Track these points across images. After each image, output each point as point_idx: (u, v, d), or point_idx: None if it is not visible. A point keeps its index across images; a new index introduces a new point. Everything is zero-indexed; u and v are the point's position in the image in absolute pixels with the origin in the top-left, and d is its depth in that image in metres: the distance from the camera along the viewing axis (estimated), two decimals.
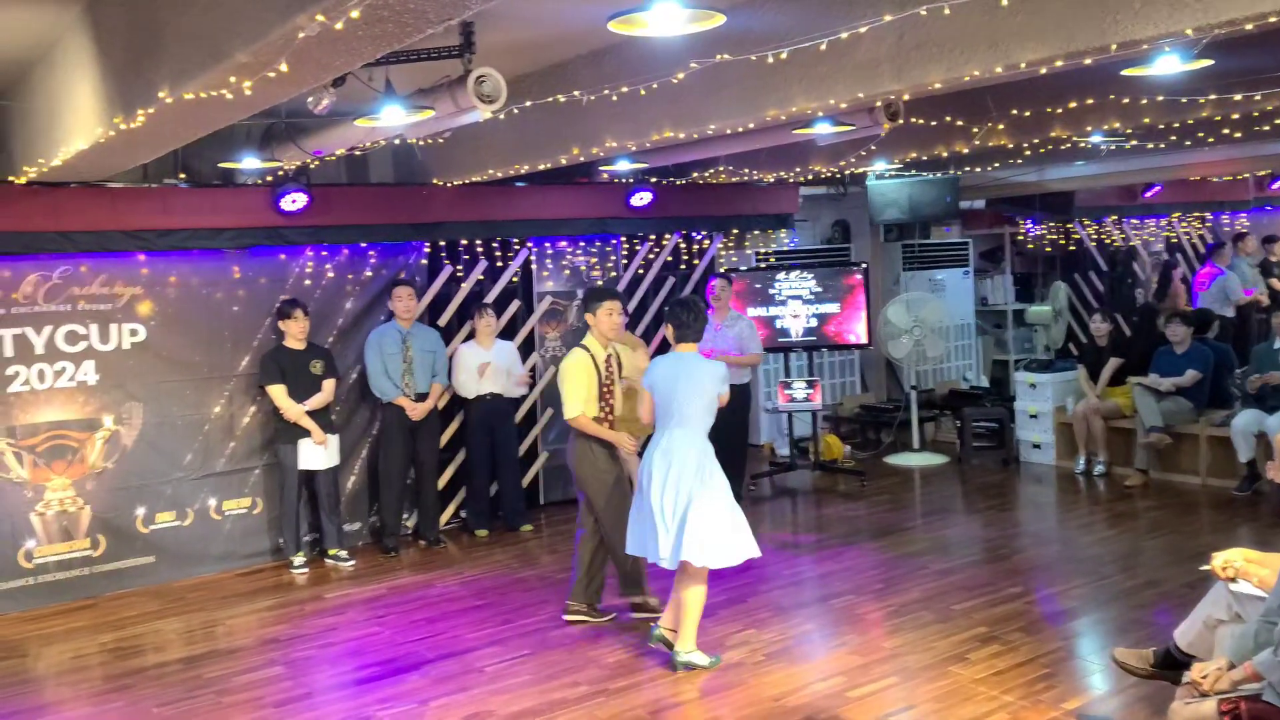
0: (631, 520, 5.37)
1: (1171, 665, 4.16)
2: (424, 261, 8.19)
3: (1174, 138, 7.93)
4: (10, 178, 6.31)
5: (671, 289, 9.43)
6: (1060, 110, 6.47)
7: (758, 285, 9.52)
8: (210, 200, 7.14)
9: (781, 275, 9.50)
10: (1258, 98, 5.92)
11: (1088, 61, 4.01)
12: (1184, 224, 13.41)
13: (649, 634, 5.49)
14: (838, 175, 10.18)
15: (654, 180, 8.92)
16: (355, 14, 2.93)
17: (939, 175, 10.19)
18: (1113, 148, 8.43)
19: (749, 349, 8.29)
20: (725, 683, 5.08)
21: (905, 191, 10.27)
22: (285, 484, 7.30)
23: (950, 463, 9.82)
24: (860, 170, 9.47)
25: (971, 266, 11.97)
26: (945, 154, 7.78)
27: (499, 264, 8.50)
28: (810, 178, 9.73)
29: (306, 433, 7.20)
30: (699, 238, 9.63)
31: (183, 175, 7.19)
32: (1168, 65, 4.86)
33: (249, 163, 6.86)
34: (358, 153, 7.31)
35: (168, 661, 5.77)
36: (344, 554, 7.46)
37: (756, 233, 10.43)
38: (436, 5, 3.03)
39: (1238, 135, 7.76)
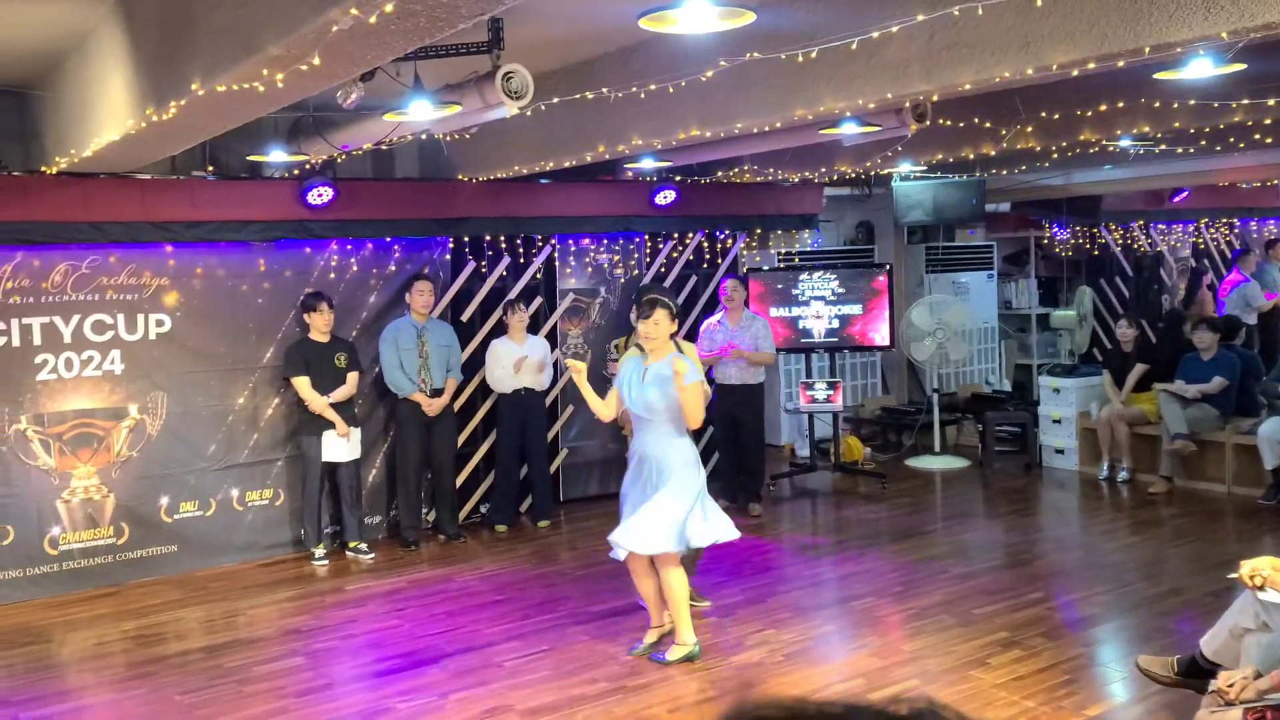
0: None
1: (1196, 674, 4.13)
2: (447, 257, 8.21)
3: (1204, 142, 7.86)
4: (42, 168, 6.37)
5: (694, 288, 9.43)
6: (1090, 113, 6.43)
7: (780, 285, 9.50)
8: (237, 193, 7.19)
9: (804, 275, 9.47)
10: None
11: (1120, 64, 3.98)
12: (1212, 230, 13.30)
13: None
14: (863, 176, 10.15)
15: (678, 179, 8.92)
16: (389, 8, 2.94)
17: (965, 177, 10.14)
18: (1141, 152, 8.37)
19: (763, 348, 8.27)
20: (744, 682, 5.07)
21: (930, 193, 10.22)
22: (308, 476, 7.34)
23: (971, 466, 9.77)
24: (885, 171, 9.44)
25: (996, 270, 11.91)
26: (972, 156, 7.74)
27: (522, 261, 8.52)
28: (835, 178, 9.70)
29: (330, 425, 7.24)
30: (722, 237, 9.62)
31: (210, 168, 7.25)
32: (1200, 69, 4.83)
33: (276, 156, 6.90)
34: (384, 147, 7.34)
35: (190, 650, 5.81)
36: (364, 546, 7.50)
37: (780, 233, 10.41)
38: (469, 0, 3.04)
39: (1269, 140, 7.69)
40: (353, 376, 7.39)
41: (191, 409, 7.23)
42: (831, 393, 9.06)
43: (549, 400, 8.57)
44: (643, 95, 5.42)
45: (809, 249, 10.74)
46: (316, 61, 3.53)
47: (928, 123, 6.11)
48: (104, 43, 4.92)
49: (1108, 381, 9.16)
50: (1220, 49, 4.31)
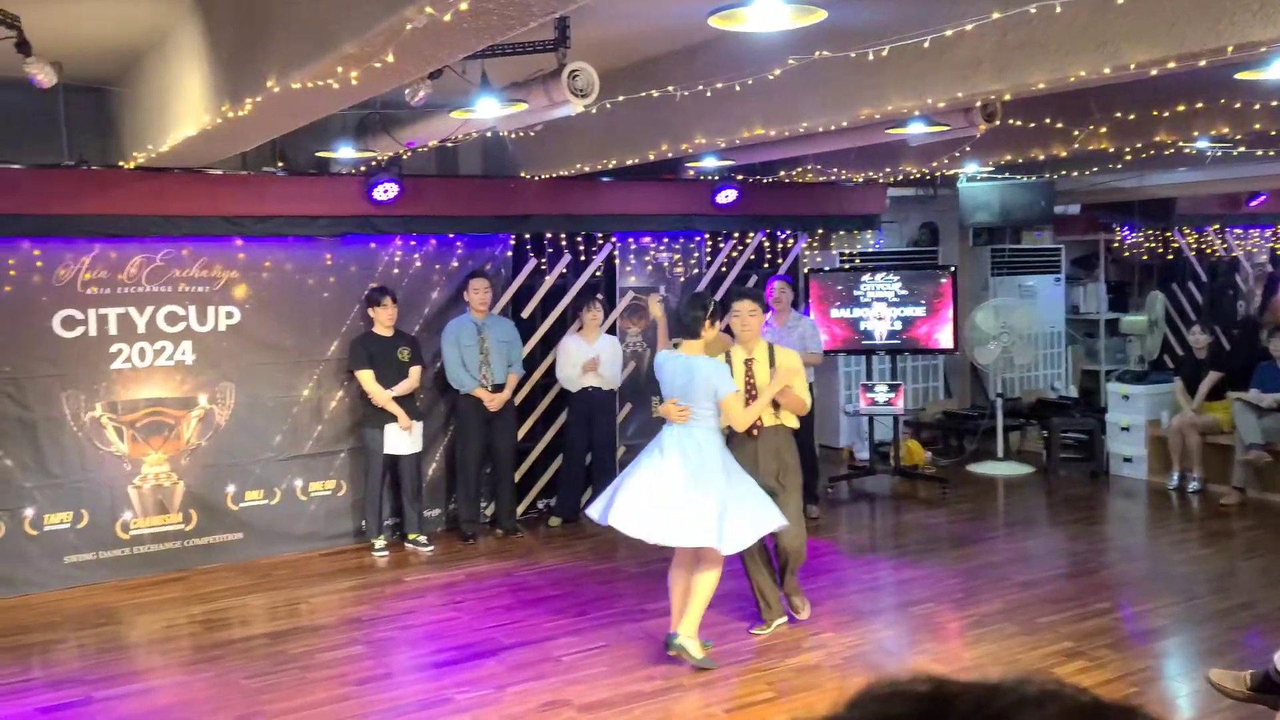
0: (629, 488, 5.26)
1: (1270, 689, 4.02)
2: (509, 254, 8.27)
3: None
4: (120, 163, 6.53)
5: (755, 287, 9.37)
6: (1166, 113, 6.28)
7: (841, 286, 9.42)
8: (305, 188, 7.31)
9: (867, 277, 9.39)
10: None
11: (1201, 63, 3.88)
12: None
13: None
14: (928, 177, 10.02)
15: (739, 178, 8.89)
16: (463, 6, 2.97)
17: (1033, 179, 9.97)
18: (1219, 154, 8.16)
19: (811, 349, 8.20)
20: (802, 684, 5.04)
21: (997, 195, 10.07)
22: (370, 468, 7.44)
23: (1035, 473, 9.61)
24: (951, 172, 9.32)
25: (1063, 273, 11.70)
26: (1041, 157, 7.61)
27: (582, 258, 8.55)
28: (899, 179, 9.60)
29: (392, 418, 7.33)
30: (783, 237, 9.57)
31: (280, 164, 7.37)
32: None
33: (344, 152, 6.99)
34: (449, 144, 7.42)
35: (254, 636, 5.93)
36: (423, 539, 7.58)
37: (842, 233, 10.33)
38: None
39: None
40: (415, 370, 7.47)
41: (258, 400, 7.37)
42: (892, 395, 8.97)
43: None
44: (708, 94, 5.40)
45: (871, 250, 10.64)
46: (390, 59, 3.57)
47: (997, 122, 6.02)
48: (182, 40, 5.03)
49: (1179, 389, 8.95)
50: None
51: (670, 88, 5.51)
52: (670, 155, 6.71)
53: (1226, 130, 6.37)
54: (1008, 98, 5.02)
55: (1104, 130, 6.68)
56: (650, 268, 8.94)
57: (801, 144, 6.86)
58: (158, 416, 7.08)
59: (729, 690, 5.00)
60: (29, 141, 6.58)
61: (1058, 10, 3.81)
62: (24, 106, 6.35)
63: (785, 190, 9.32)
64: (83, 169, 6.53)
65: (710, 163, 7.97)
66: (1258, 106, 5.94)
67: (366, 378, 7.29)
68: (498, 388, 7.71)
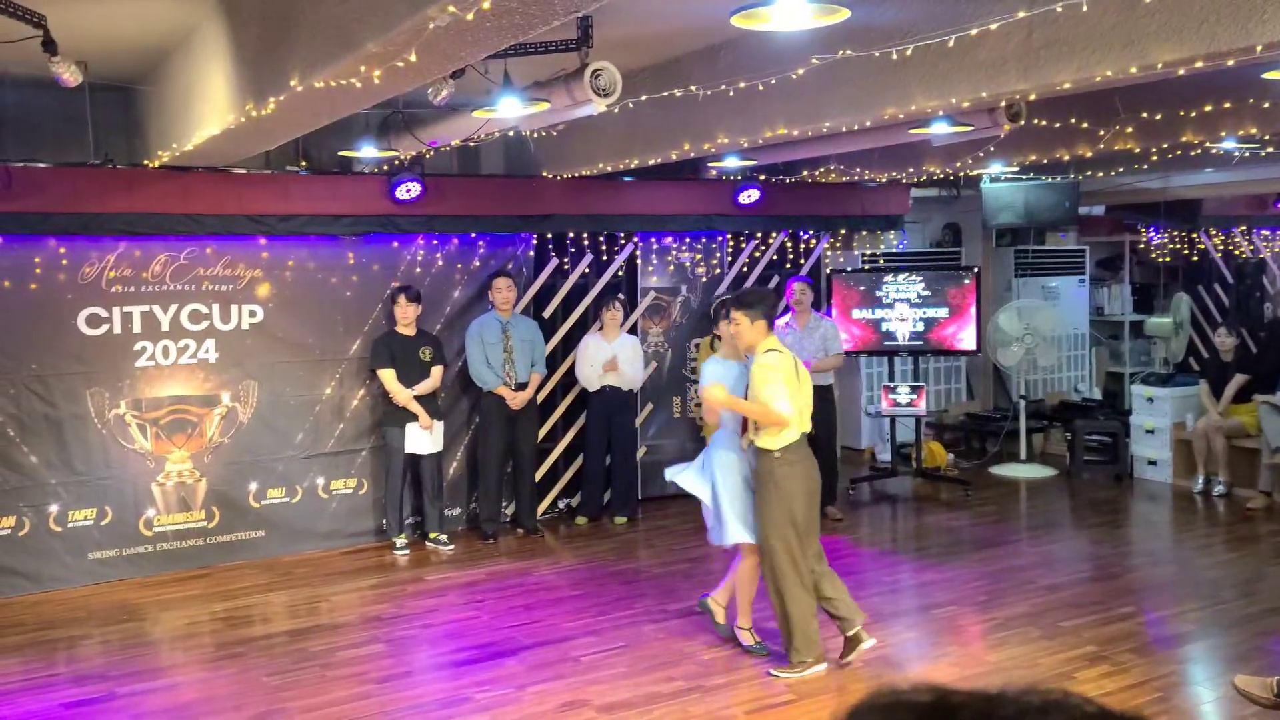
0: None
1: None
2: (531, 253, 8.28)
3: None
4: (144, 161, 6.58)
5: (776, 288, 9.36)
6: (1193, 114, 6.21)
7: (864, 287, 9.38)
8: (328, 187, 7.33)
9: (889, 277, 9.34)
10: None
11: (1229, 63, 3.84)
12: None
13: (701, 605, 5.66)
14: (951, 177, 9.96)
15: (762, 178, 8.86)
16: (486, 5, 2.97)
17: (1058, 179, 9.90)
18: (1246, 155, 8.07)
19: (832, 351, 8.17)
20: (823, 686, 5.02)
21: (1021, 195, 9.99)
22: (391, 467, 7.46)
23: (1058, 476, 9.54)
24: (975, 172, 9.26)
25: (1088, 274, 11.60)
26: (1066, 157, 7.55)
27: (604, 258, 8.55)
28: (923, 179, 9.55)
29: (413, 417, 7.35)
30: (806, 237, 9.53)
31: (303, 163, 7.41)
32: None
33: (366, 151, 7.02)
34: (472, 144, 7.43)
35: (275, 633, 5.95)
36: (444, 538, 7.60)
37: (865, 234, 10.28)
38: None
39: None
40: (437, 370, 7.49)
41: (280, 398, 7.40)
42: (914, 397, 8.92)
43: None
44: (731, 93, 5.39)
45: (894, 250, 10.59)
46: (413, 58, 3.58)
47: (1022, 122, 5.97)
48: (207, 39, 5.06)
49: (1205, 391, 8.86)
50: None
51: (693, 87, 5.50)
52: (692, 155, 6.70)
53: (1254, 130, 6.30)
54: (1033, 97, 4.98)
55: (1130, 130, 6.62)
56: (672, 268, 8.92)
57: (824, 144, 6.83)
58: (181, 414, 7.12)
59: (749, 692, 4.99)
60: (55, 140, 6.64)
61: (1084, 9, 3.77)
62: (51, 106, 6.41)
63: (808, 190, 9.28)
64: (108, 168, 6.57)
65: (732, 163, 7.95)
66: None
67: (388, 376, 7.31)
68: (520, 386, 7.72)
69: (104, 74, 6.07)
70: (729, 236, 9.13)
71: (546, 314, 8.36)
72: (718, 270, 9.11)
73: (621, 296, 8.31)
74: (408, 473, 7.54)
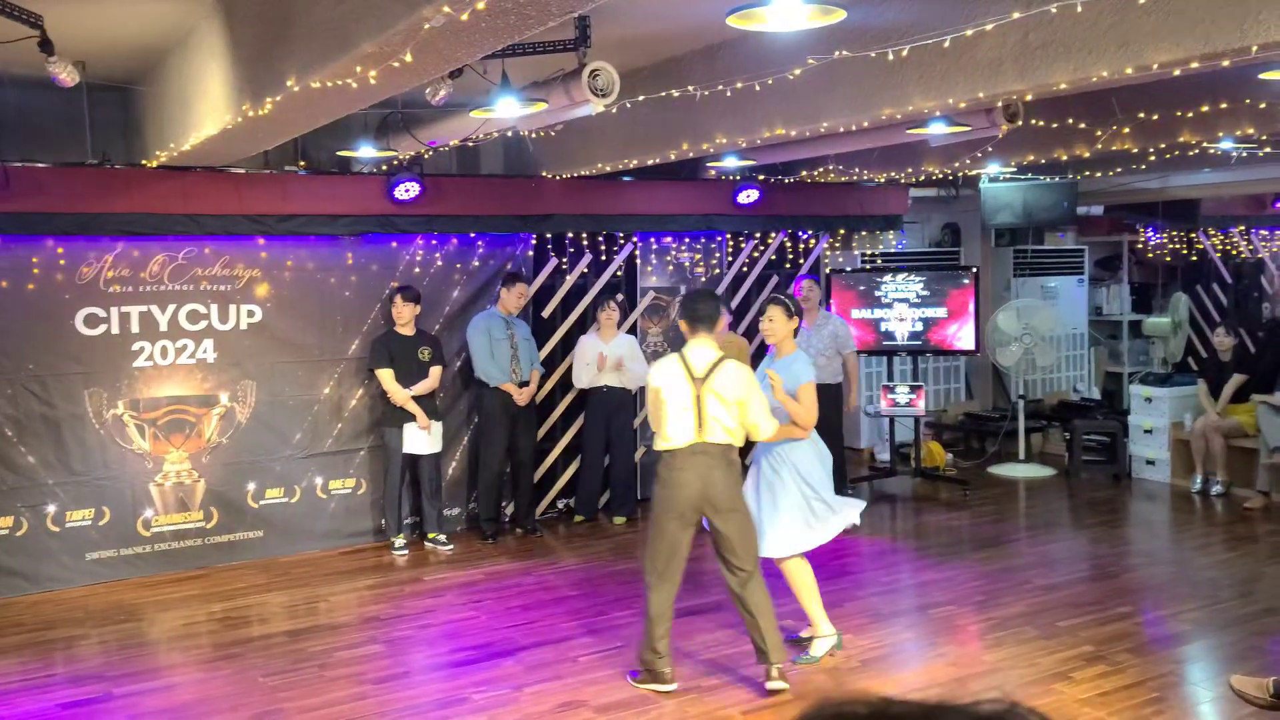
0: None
1: None
2: (530, 253, 8.28)
3: None
4: (142, 161, 6.58)
5: (775, 288, 9.36)
6: (1190, 114, 6.22)
7: (863, 287, 9.38)
8: (327, 187, 7.34)
9: (888, 277, 9.35)
10: None
11: (1225, 64, 3.84)
12: None
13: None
14: (950, 177, 9.97)
15: (761, 178, 8.87)
16: (481, 5, 2.97)
17: (1056, 179, 9.90)
18: (1244, 155, 8.08)
19: (844, 349, 8.18)
20: (819, 687, 5.02)
21: (1020, 195, 10.00)
22: (389, 467, 7.46)
23: (1057, 476, 9.54)
24: (974, 172, 9.27)
25: (1086, 274, 11.61)
26: (1064, 157, 7.55)
27: (603, 258, 8.55)
28: (921, 179, 9.55)
29: (412, 417, 7.35)
30: (805, 237, 9.54)
31: (302, 163, 7.41)
32: None
33: (365, 151, 7.03)
34: (470, 144, 7.43)
35: (273, 633, 5.95)
36: (443, 538, 7.60)
37: (864, 234, 10.28)
38: None
39: None
40: (435, 370, 7.49)
41: (279, 398, 7.41)
42: (913, 397, 8.93)
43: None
44: (728, 93, 5.39)
45: (893, 250, 10.59)
46: (408, 58, 3.58)
47: (1019, 123, 5.98)
48: (204, 39, 5.06)
49: (1203, 391, 8.86)
50: None
51: (691, 87, 5.50)
52: (691, 155, 6.70)
53: (1251, 131, 6.31)
54: (1030, 98, 4.99)
55: (1127, 131, 6.63)
56: (671, 268, 8.93)
57: (822, 144, 6.84)
58: (179, 414, 7.12)
59: (746, 692, 4.99)
60: (53, 140, 6.64)
61: (1079, 10, 3.77)
62: (48, 106, 6.41)
63: (807, 190, 9.29)
64: (106, 168, 6.58)
65: (731, 163, 7.95)
66: None
67: (386, 377, 7.31)
68: (524, 384, 7.74)
69: (101, 74, 6.07)
70: (728, 236, 9.13)
71: (545, 314, 8.36)
72: (717, 270, 9.11)
73: (620, 297, 8.32)
74: (406, 473, 7.55)
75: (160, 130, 6.16)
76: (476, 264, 8.05)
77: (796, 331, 5.50)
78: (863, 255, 10.50)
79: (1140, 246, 11.92)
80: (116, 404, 6.92)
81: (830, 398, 8.17)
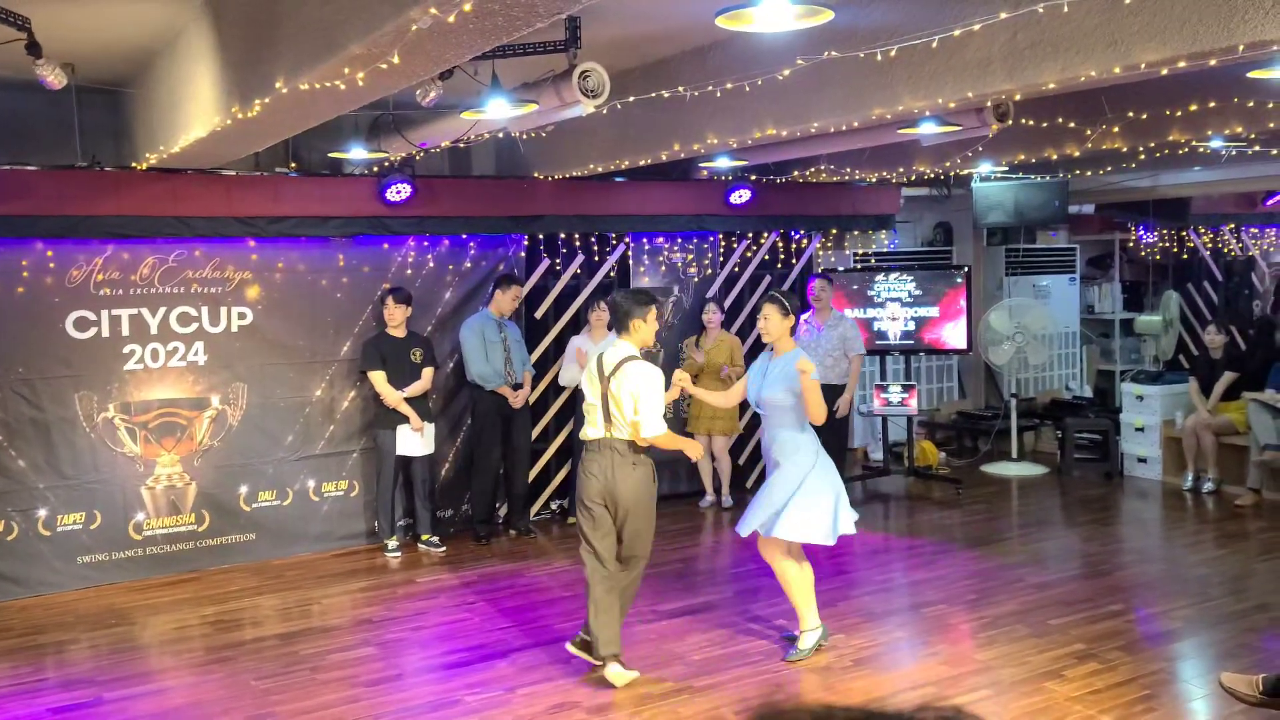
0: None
1: None
2: (522, 254, 8.28)
3: None
4: (132, 164, 6.57)
5: (768, 287, 9.37)
6: (1179, 113, 6.24)
7: (855, 286, 9.40)
8: (318, 189, 7.32)
9: (880, 277, 9.36)
10: None
11: (1212, 63, 3.85)
12: None
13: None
14: (941, 176, 9.99)
15: (753, 178, 8.87)
16: (467, 7, 2.97)
17: (1047, 178, 9.92)
18: (1233, 153, 8.10)
19: (852, 351, 8.19)
20: (812, 686, 5.03)
21: (1011, 194, 10.02)
22: (382, 469, 7.45)
23: (1050, 474, 9.56)
24: (965, 172, 9.28)
25: (1078, 273, 11.63)
26: (1055, 156, 7.57)
27: (596, 259, 8.55)
28: (913, 178, 9.57)
29: (405, 419, 7.34)
30: (797, 237, 9.55)
31: (293, 165, 7.40)
32: None
33: (356, 153, 7.02)
34: (462, 145, 7.43)
35: (265, 636, 5.94)
36: (436, 540, 7.59)
37: (856, 233, 10.29)
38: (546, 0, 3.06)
39: None
40: (428, 372, 7.48)
41: (270, 400, 7.39)
42: (906, 396, 8.94)
43: None
44: (719, 94, 5.40)
45: (885, 250, 10.60)
46: (396, 60, 3.58)
47: (1009, 122, 5.99)
48: (193, 42, 5.05)
49: (1194, 389, 8.89)
50: None
51: (681, 88, 5.51)
52: (682, 155, 6.70)
53: (1240, 129, 6.33)
54: (1019, 98, 4.99)
55: (1117, 130, 6.64)
56: (664, 268, 8.93)
57: (814, 144, 6.85)
58: (170, 417, 7.11)
59: (738, 692, 4.99)
60: (42, 143, 6.62)
61: (1065, 10, 3.78)
62: (37, 109, 6.40)
63: (799, 190, 9.30)
64: (96, 170, 6.56)
65: (723, 163, 7.96)
66: (1271, 105, 5.90)
67: (378, 379, 7.30)
68: (517, 386, 7.73)
69: (90, 77, 6.07)
70: (721, 236, 9.14)
71: (538, 315, 8.35)
72: (710, 270, 9.12)
73: (597, 296, 8.26)
74: (399, 475, 7.54)
75: (150, 132, 6.15)
76: (468, 265, 8.04)
77: (794, 330, 5.52)
78: (855, 255, 10.51)
79: (1131, 245, 11.96)
80: (107, 407, 6.90)
81: (837, 399, 8.19)
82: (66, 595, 6.71)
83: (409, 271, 7.81)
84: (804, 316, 8.31)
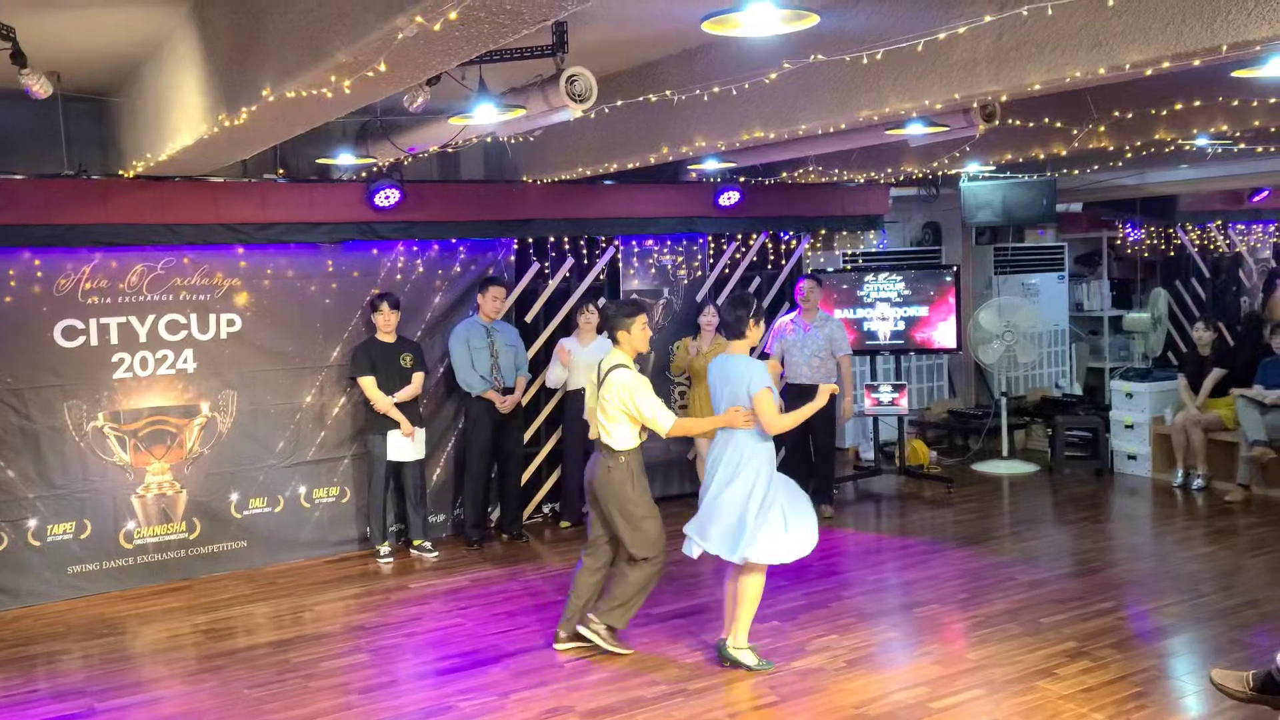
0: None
1: (1273, 689, 4.00)
2: (512, 258, 8.27)
3: None
4: (119, 172, 6.55)
5: (757, 289, 9.38)
6: (1165, 112, 6.27)
7: (845, 287, 9.42)
8: (307, 195, 7.31)
9: (870, 277, 9.38)
10: None
11: (1196, 63, 3.87)
12: None
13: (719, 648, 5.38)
14: (930, 177, 10.01)
15: (742, 180, 8.88)
16: (453, 15, 2.97)
17: (1035, 177, 9.96)
18: (1219, 151, 8.14)
19: (839, 351, 8.21)
20: (806, 688, 5.04)
21: (999, 194, 10.04)
22: (373, 474, 7.44)
23: (1040, 472, 9.59)
24: (953, 172, 9.31)
25: (1067, 271, 11.68)
26: (1042, 156, 7.59)
27: (585, 262, 8.56)
28: (901, 179, 9.59)
29: (395, 424, 7.33)
30: (786, 238, 9.56)
31: (281, 171, 7.38)
32: None
33: (344, 159, 7.01)
34: (450, 150, 7.42)
35: (258, 644, 5.93)
36: (428, 545, 7.58)
37: (845, 234, 10.31)
38: (532, 6, 3.06)
39: None
40: (418, 377, 7.47)
41: (261, 407, 7.37)
42: (897, 395, 8.96)
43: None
44: (706, 97, 5.40)
45: (875, 250, 10.62)
46: (383, 68, 3.58)
47: (996, 123, 6.00)
48: (179, 50, 5.04)
49: (1183, 386, 8.93)
50: None
51: (668, 91, 5.51)
52: (670, 158, 6.71)
53: (1225, 128, 6.36)
54: (1005, 98, 5.00)
55: (1103, 129, 6.67)
56: (654, 270, 8.93)
57: (802, 145, 6.86)
58: (160, 425, 7.09)
59: (732, 695, 5.00)
60: (29, 152, 6.59)
61: (1049, 12, 3.80)
62: (23, 118, 6.37)
63: (788, 191, 9.31)
64: (83, 179, 6.54)
65: (712, 165, 7.97)
66: (1255, 104, 5.92)
67: (368, 384, 7.29)
68: (507, 391, 7.72)
69: (76, 85, 6.05)
70: (710, 238, 9.15)
71: (528, 319, 8.35)
72: (699, 272, 9.12)
73: (601, 301, 8.31)
74: (390, 480, 7.52)
75: (137, 141, 6.13)
76: (458, 270, 8.04)
77: (766, 333, 5.53)
78: (844, 255, 10.53)
79: (1119, 243, 12.01)
80: (96, 416, 6.88)
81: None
82: (57, 605, 6.69)
83: (398, 276, 7.80)
84: (789, 316, 8.33)
